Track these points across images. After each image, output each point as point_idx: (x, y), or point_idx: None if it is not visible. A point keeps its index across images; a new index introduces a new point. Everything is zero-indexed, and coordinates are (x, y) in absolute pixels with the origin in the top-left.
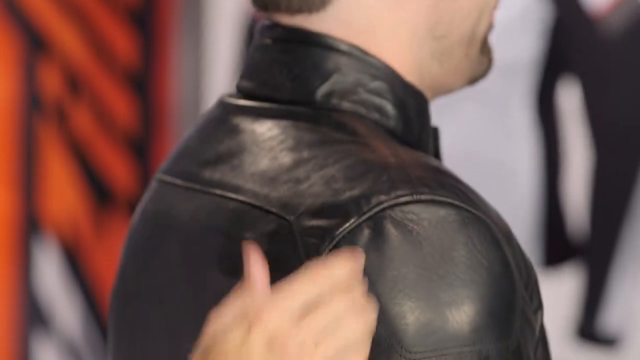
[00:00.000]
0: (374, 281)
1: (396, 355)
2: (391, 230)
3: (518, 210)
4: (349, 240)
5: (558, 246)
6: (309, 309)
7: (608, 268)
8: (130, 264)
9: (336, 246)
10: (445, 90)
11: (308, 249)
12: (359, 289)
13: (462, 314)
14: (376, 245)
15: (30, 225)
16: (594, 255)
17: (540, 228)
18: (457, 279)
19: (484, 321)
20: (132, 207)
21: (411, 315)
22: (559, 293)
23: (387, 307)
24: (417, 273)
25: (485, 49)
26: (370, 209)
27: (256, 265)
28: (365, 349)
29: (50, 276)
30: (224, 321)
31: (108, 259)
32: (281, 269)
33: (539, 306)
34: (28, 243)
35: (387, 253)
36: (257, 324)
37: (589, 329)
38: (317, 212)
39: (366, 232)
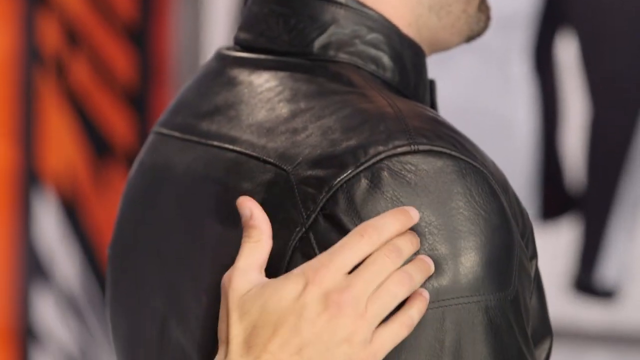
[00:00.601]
0: None
1: None
2: (389, 181)
3: (516, 163)
4: (347, 190)
5: (555, 198)
6: (360, 266)
7: (605, 220)
8: (127, 215)
9: (333, 196)
10: (442, 46)
11: (305, 198)
12: (409, 247)
13: (461, 266)
14: (373, 196)
15: (29, 177)
16: (591, 207)
17: (538, 180)
18: (456, 231)
19: (483, 272)
20: (130, 160)
21: None
22: (556, 246)
23: None
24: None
25: (483, 7)
26: (367, 160)
27: (255, 210)
28: None
29: (49, 228)
30: (277, 281)
31: (106, 211)
32: (278, 219)
33: (534, 255)
34: (27, 195)
35: (384, 204)
36: (313, 280)
37: (586, 281)
38: (315, 162)
39: (364, 182)
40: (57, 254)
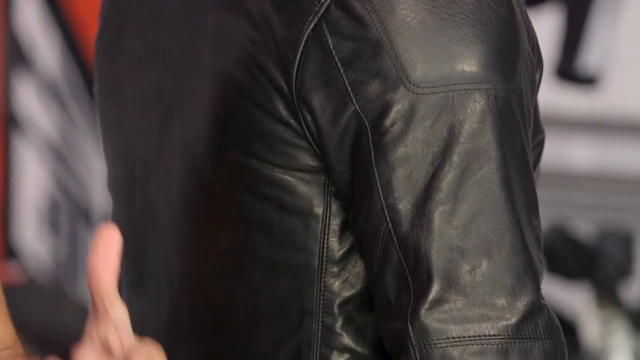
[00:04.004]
0: (384, 18)
1: (403, 89)
2: None
3: None
4: None
5: None
6: None
7: (587, 7)
8: (115, 12)
9: None
10: None
11: None
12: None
13: (470, 52)
14: None
15: None
16: None
17: None
18: (466, 19)
19: (491, 61)
20: None
21: (419, 51)
22: (539, 33)
23: (395, 42)
24: (427, 10)
25: None
26: None
27: None
28: None
29: (31, 15)
30: None
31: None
32: (290, 9)
33: (540, 62)
34: None
35: None
36: None
37: (568, 68)
38: None
39: None
40: (39, 42)
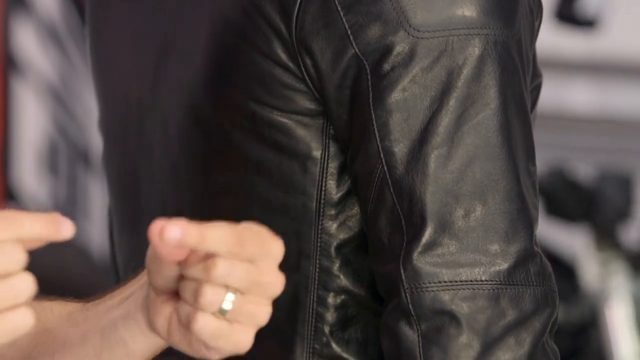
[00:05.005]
0: None
1: (404, 33)
2: None
3: None
4: None
5: None
6: None
7: None
8: None
9: None
10: None
11: None
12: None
13: None
14: None
15: None
16: None
17: None
18: None
19: (491, 7)
20: None
21: None
22: None
23: None
24: None
25: None
26: None
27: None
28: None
29: None
30: None
31: None
32: None
33: (539, 9)
34: None
35: None
36: None
37: (567, 11)
38: None
39: None
40: None
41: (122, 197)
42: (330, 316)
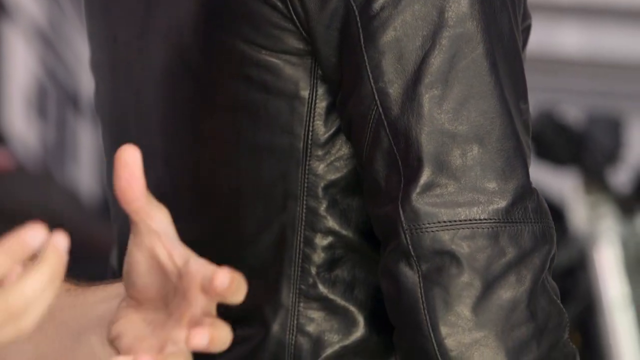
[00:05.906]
0: None
1: None
2: None
3: None
4: None
5: None
6: None
7: None
8: None
9: None
10: None
11: None
12: None
13: None
14: None
15: None
16: None
17: None
18: None
19: None
20: None
21: None
22: None
23: None
24: None
25: None
26: None
27: None
28: None
29: None
30: None
31: None
32: None
33: None
34: None
35: None
36: None
37: None
38: None
39: None
40: None
41: (112, 138)
42: (317, 257)
